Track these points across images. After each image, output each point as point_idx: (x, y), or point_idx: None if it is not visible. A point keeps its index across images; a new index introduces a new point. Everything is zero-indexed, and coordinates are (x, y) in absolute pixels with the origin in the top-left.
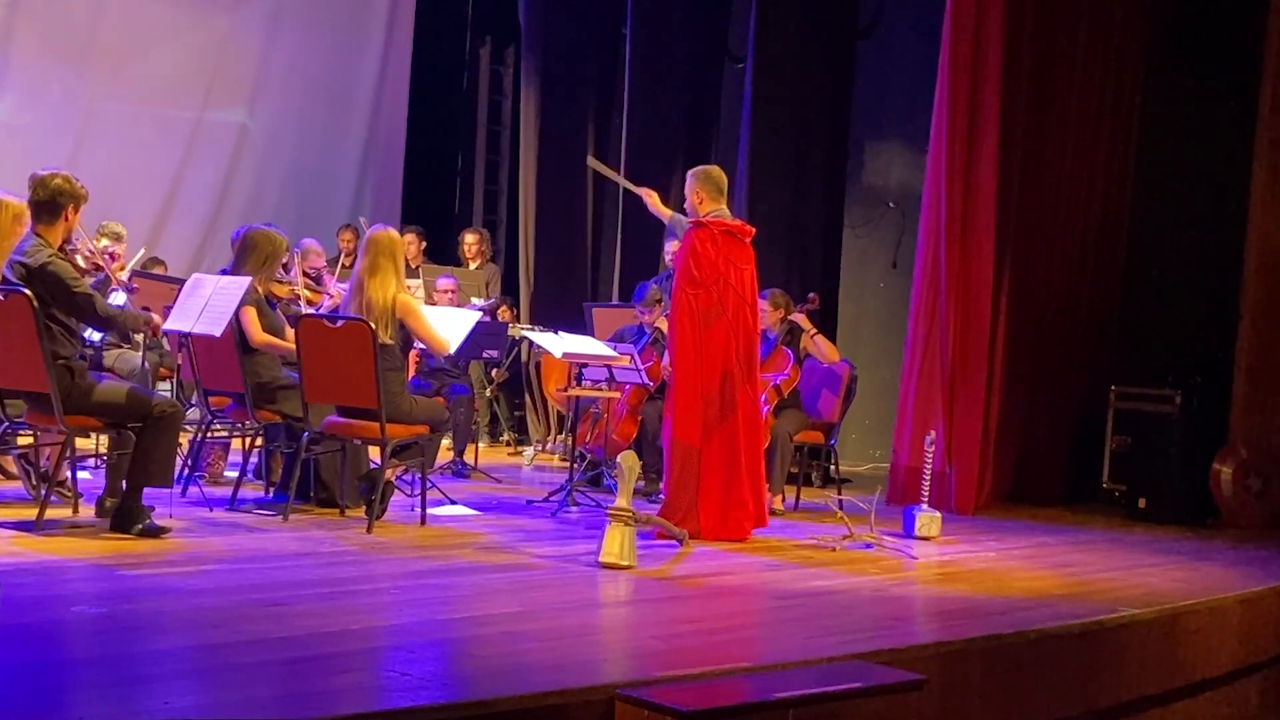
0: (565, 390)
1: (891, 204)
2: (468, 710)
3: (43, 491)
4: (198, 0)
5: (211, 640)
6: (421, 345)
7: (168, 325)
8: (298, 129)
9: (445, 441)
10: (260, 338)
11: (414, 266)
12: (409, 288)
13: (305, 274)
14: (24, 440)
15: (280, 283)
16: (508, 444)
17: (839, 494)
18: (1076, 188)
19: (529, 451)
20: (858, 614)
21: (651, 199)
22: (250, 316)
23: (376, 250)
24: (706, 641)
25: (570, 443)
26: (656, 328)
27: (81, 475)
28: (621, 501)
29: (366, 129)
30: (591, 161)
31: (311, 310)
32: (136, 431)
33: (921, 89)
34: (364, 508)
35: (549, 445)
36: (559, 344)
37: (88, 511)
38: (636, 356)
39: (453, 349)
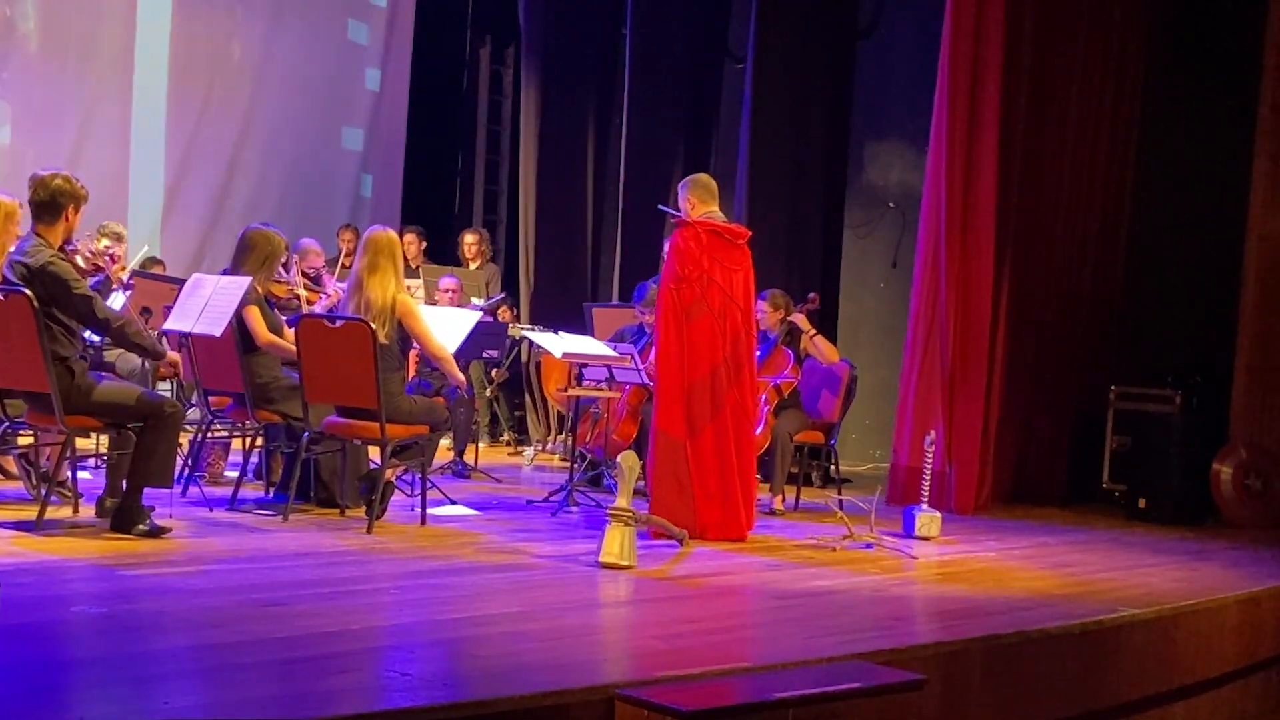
0: (565, 390)
1: (891, 204)
2: (468, 710)
3: (43, 491)
4: (198, 0)
5: (211, 640)
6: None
7: (168, 325)
8: (298, 129)
9: (445, 441)
10: (266, 337)
11: (414, 267)
12: (409, 288)
13: (304, 274)
14: (24, 440)
15: (279, 282)
16: (508, 444)
17: (839, 494)
18: (1076, 188)
19: (529, 451)
20: (858, 614)
21: None
22: (255, 316)
23: (376, 250)
24: (706, 641)
25: (570, 443)
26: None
27: (81, 475)
28: (621, 501)
29: (366, 129)
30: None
31: (309, 310)
32: (137, 431)
33: (921, 89)
34: (364, 508)
35: (549, 445)
36: (559, 344)
37: (88, 511)
38: (636, 356)
39: (449, 354)
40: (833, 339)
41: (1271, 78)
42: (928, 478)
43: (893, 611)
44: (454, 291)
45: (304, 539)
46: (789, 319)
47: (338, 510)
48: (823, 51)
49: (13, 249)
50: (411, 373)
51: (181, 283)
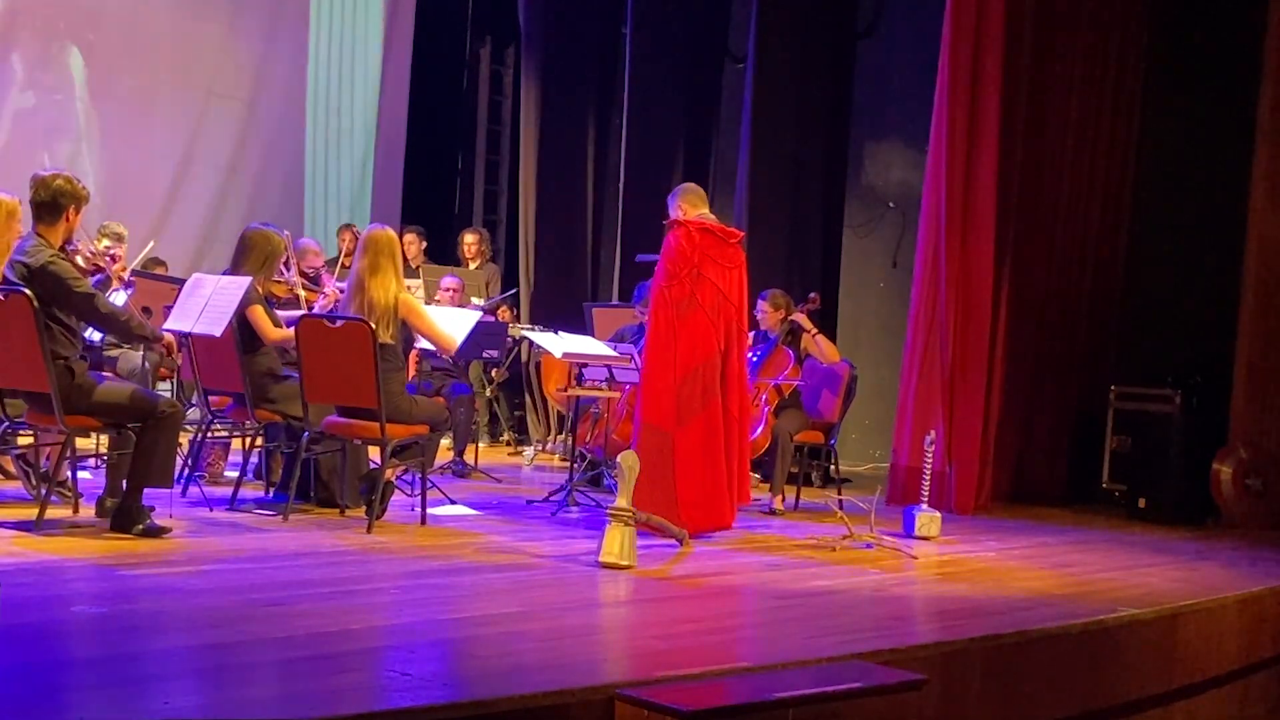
0: (565, 390)
1: (891, 204)
2: (468, 710)
3: (43, 491)
4: (198, 0)
5: (211, 640)
6: (421, 346)
7: (168, 325)
8: (298, 129)
9: (445, 441)
10: (274, 335)
11: (414, 267)
12: (409, 288)
13: (303, 274)
14: (24, 440)
15: (278, 282)
16: (508, 444)
17: (839, 494)
18: (1076, 188)
19: (529, 451)
20: (858, 614)
21: None
22: (260, 315)
23: (376, 250)
24: (706, 641)
25: (570, 443)
26: None
27: (81, 475)
28: (621, 501)
29: (366, 129)
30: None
31: (308, 309)
32: (137, 431)
33: (921, 89)
34: (364, 508)
35: (549, 445)
36: (559, 344)
37: (88, 511)
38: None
39: (457, 346)
40: (833, 339)
41: (1271, 78)
42: (928, 478)
43: (893, 611)
44: (455, 291)
45: (304, 539)
46: (790, 319)
47: (338, 510)
48: (823, 51)
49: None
50: (412, 373)
51: (181, 283)
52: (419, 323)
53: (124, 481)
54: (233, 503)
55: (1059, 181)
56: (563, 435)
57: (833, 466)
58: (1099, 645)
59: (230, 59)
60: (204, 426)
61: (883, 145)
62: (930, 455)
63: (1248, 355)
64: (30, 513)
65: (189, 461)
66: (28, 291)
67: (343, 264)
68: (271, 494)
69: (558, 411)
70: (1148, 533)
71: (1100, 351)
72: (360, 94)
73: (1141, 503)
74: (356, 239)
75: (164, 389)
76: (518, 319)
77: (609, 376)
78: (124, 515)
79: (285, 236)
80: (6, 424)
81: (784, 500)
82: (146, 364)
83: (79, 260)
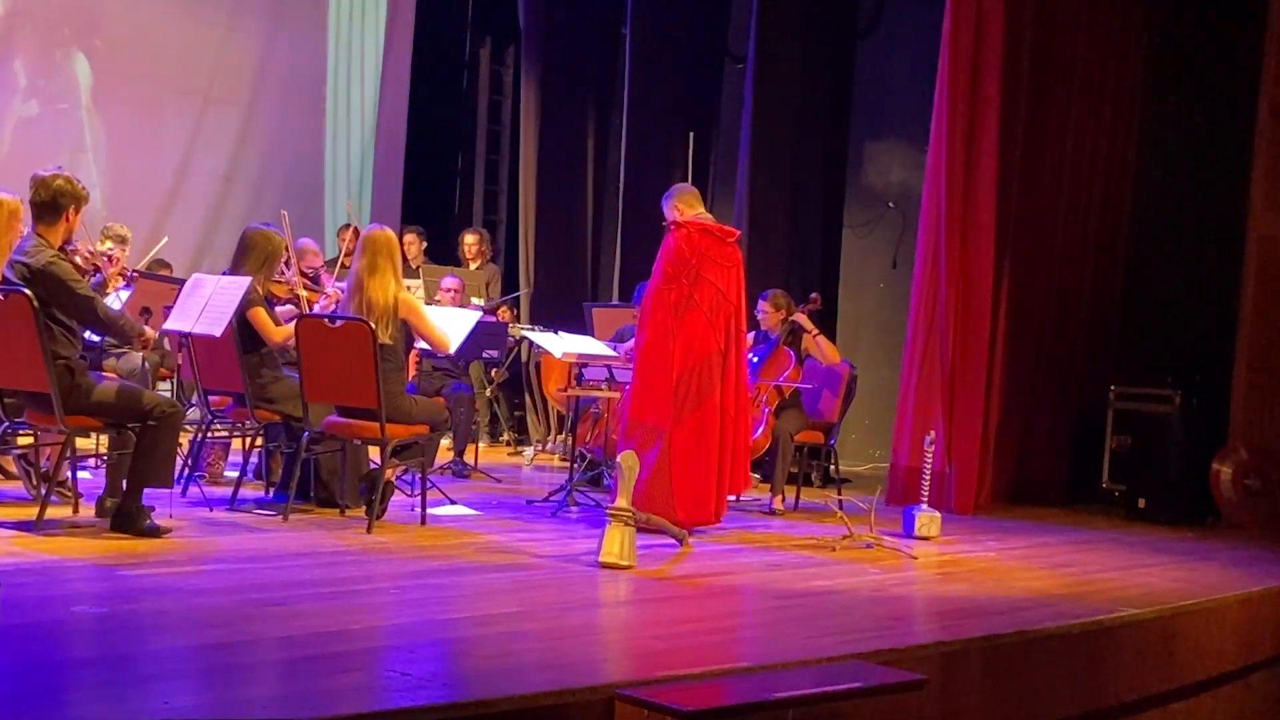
0: (565, 390)
1: (891, 204)
2: (468, 710)
3: (43, 491)
4: (198, 0)
5: (211, 640)
6: (421, 346)
7: (168, 325)
8: (298, 129)
9: (445, 441)
10: (277, 336)
11: (414, 267)
12: (409, 288)
13: (302, 274)
14: (24, 440)
15: (278, 282)
16: (508, 444)
17: (839, 494)
18: (1076, 188)
19: (529, 451)
20: (858, 614)
21: None
22: (261, 317)
23: (374, 250)
24: (706, 641)
25: (570, 443)
26: None
27: (81, 475)
28: (621, 501)
29: (366, 129)
30: None
31: (309, 309)
32: (137, 431)
33: (921, 89)
34: (364, 508)
35: (549, 445)
36: (559, 344)
37: (88, 511)
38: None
39: (454, 347)
40: (832, 339)
41: (1271, 78)
42: (928, 478)
43: (893, 611)
44: (456, 292)
45: (304, 539)
46: (791, 319)
47: (338, 510)
48: (823, 51)
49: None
50: (411, 373)
51: (181, 283)
52: (417, 322)
53: (124, 481)
54: (233, 503)
55: (1059, 181)
56: (563, 435)
57: (833, 466)
58: (1099, 645)
59: (230, 60)
60: (204, 426)
61: (883, 145)
62: (930, 455)
63: (1248, 355)
64: (30, 513)
65: (189, 461)
66: (28, 292)
67: (342, 264)
68: (271, 494)
69: (558, 411)
70: (1148, 533)
71: (1100, 351)
72: (360, 94)
73: (1141, 503)
74: (357, 239)
75: (164, 389)
76: (518, 319)
77: (609, 376)
78: (124, 515)
79: (287, 234)
80: (6, 424)
81: (784, 500)
82: (146, 364)
83: (78, 260)
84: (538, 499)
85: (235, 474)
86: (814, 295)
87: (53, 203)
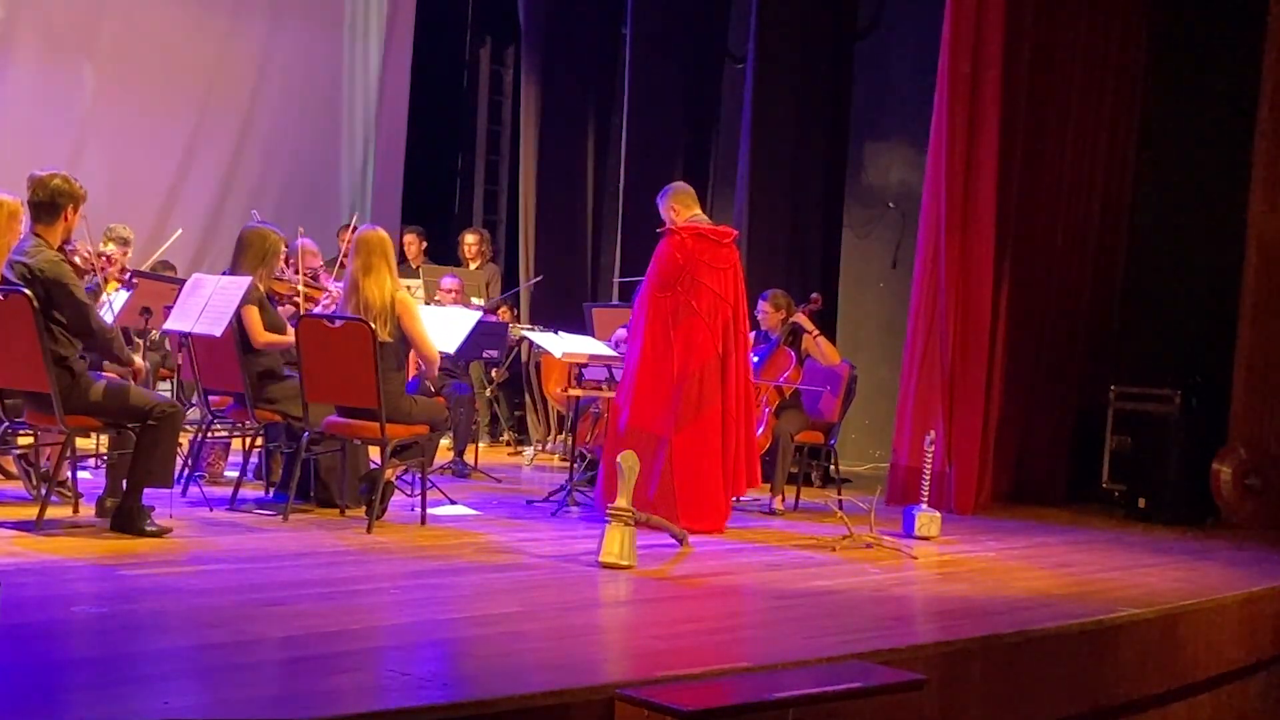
0: (565, 390)
1: (891, 204)
2: (468, 710)
3: (43, 491)
4: (199, 1)
5: (211, 640)
6: None
7: (168, 325)
8: (298, 129)
9: (445, 441)
10: (262, 338)
11: (414, 267)
12: (409, 288)
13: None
14: (24, 440)
15: (280, 280)
16: (508, 444)
17: (839, 494)
18: (1076, 187)
19: (529, 451)
20: (858, 614)
21: None
22: (253, 316)
23: (369, 250)
24: (706, 641)
25: (570, 443)
26: None
27: (81, 475)
28: (621, 501)
29: (366, 129)
30: None
31: (311, 309)
32: (137, 431)
33: (921, 89)
34: (364, 508)
35: (549, 445)
36: (559, 344)
37: (88, 511)
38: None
39: (447, 351)
40: (833, 339)
41: (1271, 78)
42: (928, 478)
43: (893, 611)
44: (456, 292)
45: (304, 539)
46: (791, 320)
47: (338, 510)
48: (823, 51)
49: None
50: (412, 373)
51: (181, 283)
52: (411, 325)
53: (124, 481)
54: (233, 503)
55: (1059, 181)
56: (563, 435)
57: (833, 466)
58: (1099, 645)
59: (231, 61)
60: (204, 426)
61: (883, 145)
62: (930, 455)
63: (1248, 355)
64: (30, 513)
65: (189, 461)
66: (27, 292)
67: (341, 264)
68: (271, 494)
69: (558, 411)
70: (1148, 533)
71: (1100, 351)
72: (360, 94)
73: (1141, 503)
74: None
75: (164, 389)
76: (518, 319)
77: (609, 376)
78: (124, 515)
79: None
80: (6, 424)
81: (784, 500)
82: (147, 364)
83: (76, 260)
84: (538, 499)
85: (235, 474)
86: (814, 295)
87: (51, 202)
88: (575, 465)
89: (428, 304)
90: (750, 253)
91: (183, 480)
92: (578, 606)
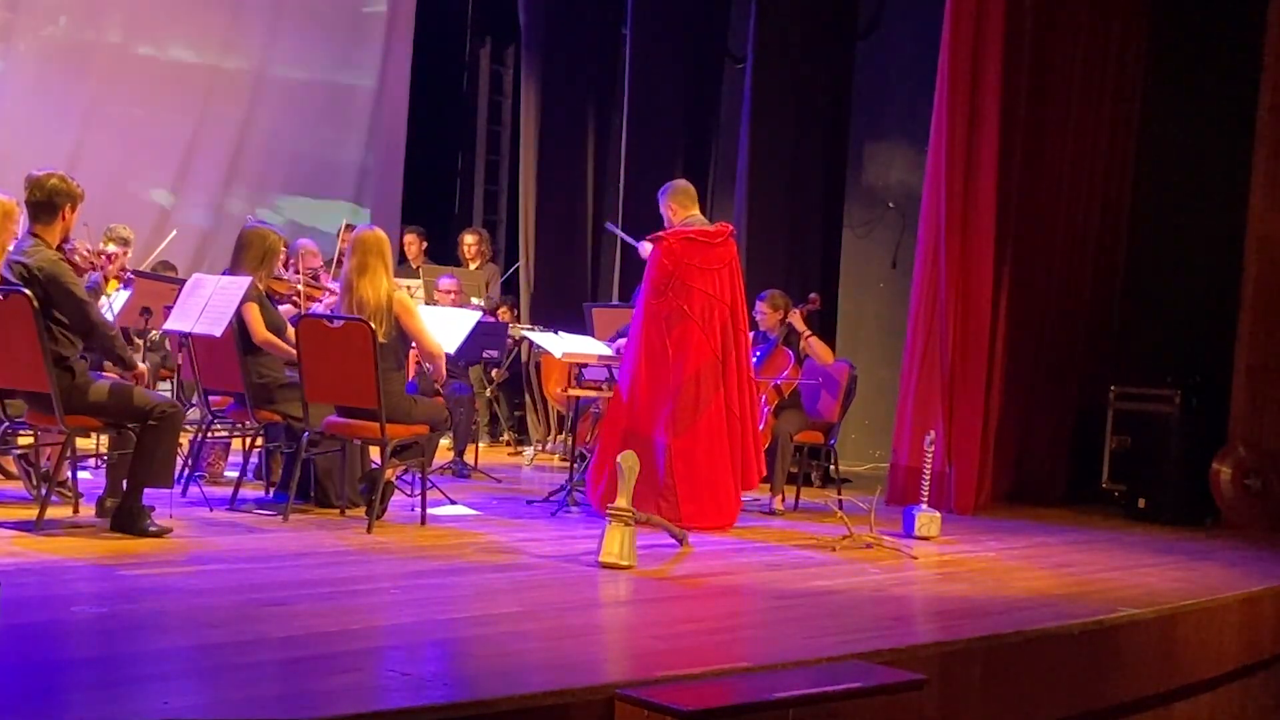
0: (565, 390)
1: (891, 204)
2: (468, 710)
3: (43, 491)
4: (198, 0)
5: (211, 640)
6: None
7: (168, 325)
8: (297, 129)
9: (445, 441)
10: (262, 335)
11: (414, 267)
12: (409, 289)
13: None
14: (24, 440)
15: (280, 279)
16: (508, 444)
17: (839, 494)
18: (1076, 187)
19: (529, 451)
20: (858, 614)
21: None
22: (254, 314)
23: (364, 250)
24: (706, 641)
25: (570, 443)
26: None
27: (81, 475)
28: (621, 501)
29: (366, 129)
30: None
31: (308, 310)
32: (137, 431)
33: (921, 89)
34: (364, 508)
35: (549, 445)
36: (559, 344)
37: (88, 511)
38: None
39: (447, 351)
40: (832, 339)
41: (1271, 78)
42: (928, 478)
43: (893, 611)
44: (455, 293)
45: (304, 539)
46: (786, 320)
47: (338, 510)
48: (823, 51)
49: (10, 249)
50: (411, 373)
51: (181, 283)
52: (411, 323)
53: (124, 481)
54: (233, 503)
55: (1059, 181)
56: (563, 435)
57: (833, 466)
58: (1099, 645)
59: (230, 61)
60: (204, 426)
61: (883, 145)
62: (930, 455)
63: (1248, 355)
64: (30, 513)
65: (189, 461)
66: (27, 292)
67: (339, 263)
68: (271, 494)
69: (558, 411)
70: (1148, 533)
71: (1100, 351)
72: (360, 94)
73: (1141, 503)
74: None
75: (164, 389)
76: (518, 319)
77: (609, 376)
78: (124, 515)
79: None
80: (6, 424)
81: (784, 500)
82: (147, 364)
83: (76, 259)
84: (538, 499)
85: (235, 474)
86: (813, 296)
87: (49, 202)
88: (575, 465)
89: (427, 304)
90: (750, 253)
91: (183, 480)
92: (578, 606)
